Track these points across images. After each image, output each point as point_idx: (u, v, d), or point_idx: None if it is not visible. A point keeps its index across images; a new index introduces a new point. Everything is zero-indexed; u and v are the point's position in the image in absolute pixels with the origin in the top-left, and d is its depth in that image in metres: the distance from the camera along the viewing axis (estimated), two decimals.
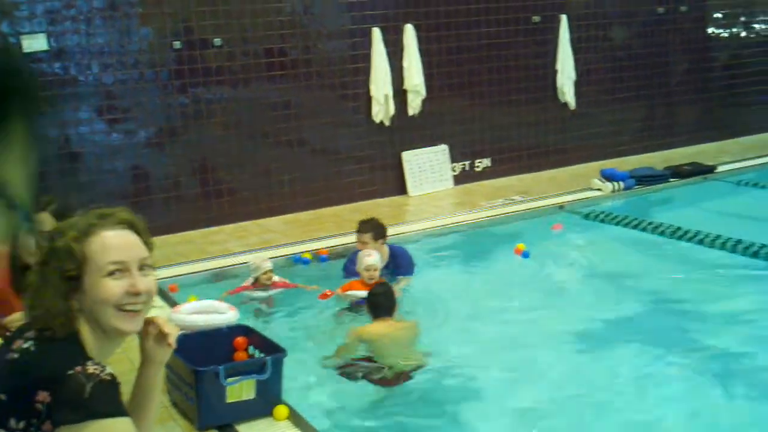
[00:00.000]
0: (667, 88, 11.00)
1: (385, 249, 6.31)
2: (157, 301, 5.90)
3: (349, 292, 5.78)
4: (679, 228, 7.28)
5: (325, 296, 6.03)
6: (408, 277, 6.32)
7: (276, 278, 6.12)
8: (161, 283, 6.34)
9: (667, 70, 10.95)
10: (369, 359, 4.80)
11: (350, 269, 6.17)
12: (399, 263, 6.31)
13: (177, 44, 7.80)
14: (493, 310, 5.83)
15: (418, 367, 4.74)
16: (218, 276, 6.68)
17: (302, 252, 7.04)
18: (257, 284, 6.05)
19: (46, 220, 3.80)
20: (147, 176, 7.88)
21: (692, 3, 10.95)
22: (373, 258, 5.80)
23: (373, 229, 6.17)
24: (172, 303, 5.66)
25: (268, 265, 6.06)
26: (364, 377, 4.65)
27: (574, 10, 10.04)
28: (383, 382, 4.62)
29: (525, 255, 6.89)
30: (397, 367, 4.70)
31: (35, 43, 7.24)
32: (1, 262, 3.88)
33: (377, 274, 5.74)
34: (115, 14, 7.54)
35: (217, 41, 7.97)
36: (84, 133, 7.55)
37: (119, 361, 4.85)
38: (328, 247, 7.15)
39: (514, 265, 6.80)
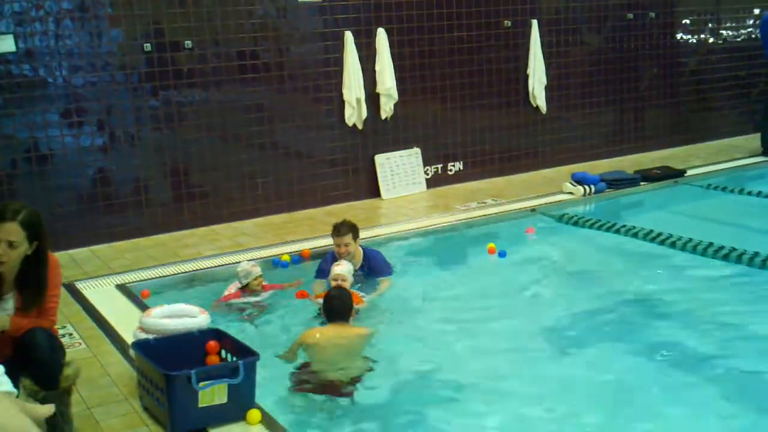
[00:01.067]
0: (636, 93, 11.11)
1: (360, 250, 6.35)
2: (128, 304, 5.89)
3: (319, 300, 5.76)
4: (650, 231, 7.34)
5: (302, 295, 6.06)
6: (388, 278, 6.35)
7: (264, 282, 6.12)
8: (132, 287, 6.30)
9: (636, 75, 11.06)
10: (306, 365, 4.79)
11: (324, 271, 6.15)
12: (373, 265, 6.33)
13: (148, 46, 7.73)
14: (465, 313, 5.85)
15: (355, 378, 4.66)
16: (188, 280, 6.63)
17: (280, 255, 6.99)
18: (246, 290, 6.01)
19: (13, 230, 3.72)
20: (118, 179, 7.80)
21: (661, 9, 11.08)
22: (341, 268, 5.79)
23: (351, 230, 6.20)
24: (143, 307, 5.60)
25: (258, 270, 6.04)
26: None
27: (544, 15, 10.11)
28: (321, 390, 4.56)
29: (502, 254, 6.93)
30: (331, 376, 4.67)
31: (2, 44, 7.13)
32: None
33: (347, 284, 5.66)
34: (85, 16, 7.46)
35: (188, 43, 7.91)
36: (53, 135, 7.46)
37: (90, 365, 4.82)
38: (309, 249, 7.17)
39: (487, 268, 6.82)
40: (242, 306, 5.92)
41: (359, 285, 6.11)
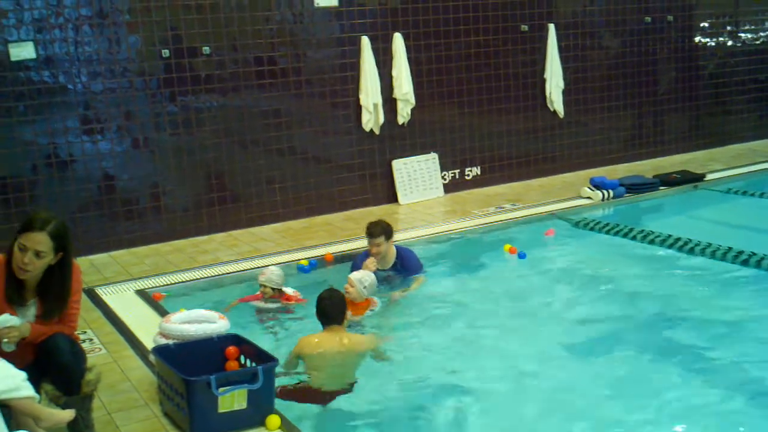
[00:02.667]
0: (655, 97, 11.05)
1: (393, 249, 6.48)
2: (148, 310, 5.91)
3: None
4: (669, 236, 7.29)
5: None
6: (422, 276, 6.48)
7: (289, 291, 6.07)
8: (151, 293, 6.33)
9: (655, 78, 11.00)
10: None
11: (358, 268, 6.23)
12: (406, 264, 6.48)
13: (166, 52, 7.77)
14: (483, 318, 5.84)
15: (344, 389, 4.62)
16: (207, 286, 6.64)
17: (299, 260, 7.01)
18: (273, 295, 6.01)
19: (42, 241, 3.74)
20: (137, 185, 7.83)
21: (679, 12, 11.02)
22: (355, 274, 5.79)
23: (384, 231, 6.33)
24: (163, 312, 5.62)
25: (264, 279, 5.98)
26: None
27: (561, 18, 10.08)
28: (308, 398, 4.54)
29: (522, 255, 6.93)
30: (324, 385, 4.64)
31: (23, 51, 7.19)
32: None
33: (354, 291, 5.64)
34: (104, 22, 7.51)
35: (206, 49, 7.95)
36: (73, 141, 7.51)
37: (110, 370, 4.84)
38: (331, 253, 7.20)
39: (505, 272, 6.81)
40: (259, 310, 5.92)
41: (388, 286, 6.25)
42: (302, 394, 4.55)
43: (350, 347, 4.89)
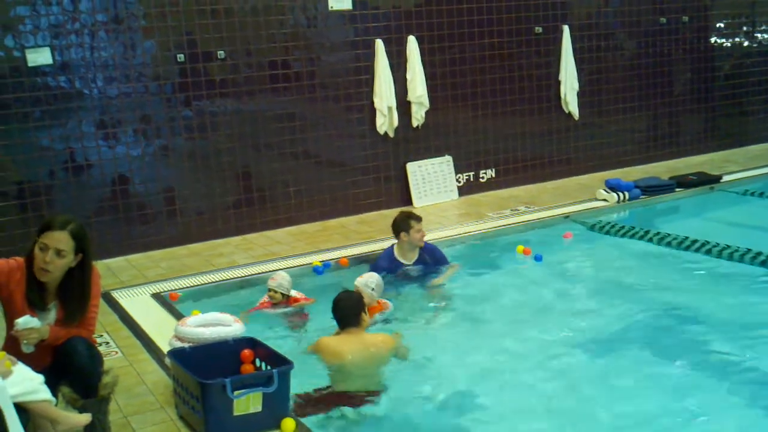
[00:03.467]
0: (670, 98, 11.00)
1: None
2: (163, 313, 5.94)
3: None
4: (685, 238, 7.25)
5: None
6: (456, 264, 6.69)
7: (294, 293, 6.06)
8: (167, 296, 6.36)
9: (670, 79, 10.95)
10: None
11: (380, 267, 6.44)
12: (434, 255, 6.68)
13: (181, 57, 7.81)
14: (496, 320, 5.83)
15: (372, 393, 4.58)
16: (223, 289, 6.67)
17: (313, 261, 7.03)
18: (280, 301, 5.98)
19: (63, 239, 3.78)
20: (152, 189, 7.88)
21: (694, 13, 10.96)
22: (361, 279, 5.80)
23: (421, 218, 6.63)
24: (178, 316, 5.65)
25: (273, 283, 5.96)
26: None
27: (576, 20, 10.05)
28: (339, 402, 4.51)
29: (538, 258, 6.96)
30: (350, 389, 4.61)
31: (40, 57, 7.24)
32: (17, 274, 3.87)
33: (365, 295, 5.60)
34: (119, 28, 7.56)
35: (221, 54, 7.98)
36: (89, 146, 7.56)
37: (127, 374, 4.86)
38: (346, 257, 7.22)
39: (519, 275, 6.79)
40: (272, 316, 5.88)
41: (413, 280, 6.41)
42: (331, 400, 4.51)
43: (370, 348, 4.85)
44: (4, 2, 7.05)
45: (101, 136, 7.60)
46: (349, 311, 4.96)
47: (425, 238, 6.66)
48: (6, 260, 3.88)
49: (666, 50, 10.84)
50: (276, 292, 5.94)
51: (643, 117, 10.81)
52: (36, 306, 3.87)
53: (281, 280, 5.99)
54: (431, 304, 6.19)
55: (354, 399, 4.50)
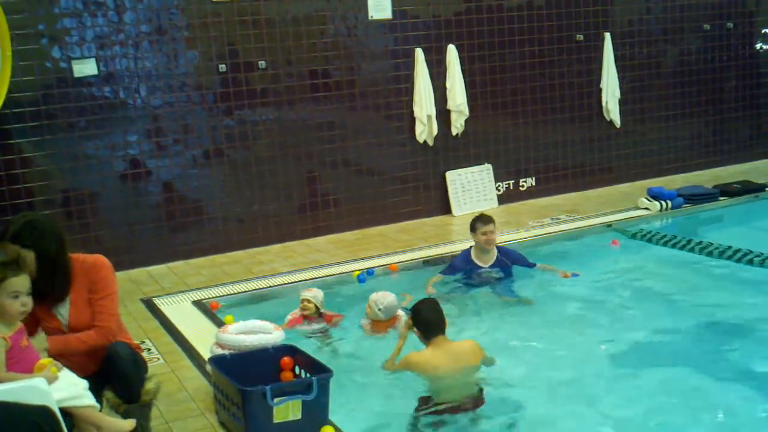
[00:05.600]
0: (714, 105, 10.84)
1: (495, 247, 6.69)
2: (204, 320, 6.00)
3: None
4: (728, 248, 7.13)
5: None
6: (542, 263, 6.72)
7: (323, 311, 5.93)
8: (208, 303, 6.42)
9: (714, 87, 10.80)
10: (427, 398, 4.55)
11: (455, 267, 6.59)
12: (512, 257, 6.67)
13: (222, 67, 7.90)
14: (540, 329, 5.77)
15: (477, 398, 4.50)
16: (263, 296, 6.71)
17: (354, 271, 7.05)
18: (306, 315, 5.83)
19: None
20: (194, 197, 7.97)
21: (739, 20, 10.81)
22: (378, 295, 5.75)
23: (493, 220, 6.58)
24: (219, 323, 5.70)
25: (308, 294, 5.83)
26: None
27: (618, 27, 9.97)
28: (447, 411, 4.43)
29: (574, 276, 6.82)
30: (455, 401, 4.48)
31: (86, 68, 7.38)
32: None
33: (382, 314, 5.61)
34: (163, 38, 7.67)
35: (262, 63, 8.06)
36: (132, 155, 7.68)
37: (168, 380, 4.92)
38: (396, 263, 7.27)
39: (561, 285, 6.72)
40: (305, 334, 5.72)
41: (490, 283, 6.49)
42: (438, 412, 4.45)
43: (462, 357, 4.65)
44: (51, 14, 7.21)
45: (144, 146, 7.72)
46: (441, 317, 4.72)
47: (498, 242, 6.71)
48: None
49: (710, 57, 10.70)
50: (310, 302, 5.78)
51: (686, 125, 10.67)
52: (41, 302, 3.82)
53: (316, 292, 5.90)
54: (496, 309, 6.18)
55: (459, 408, 4.44)
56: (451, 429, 4.34)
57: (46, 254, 3.82)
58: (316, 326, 5.80)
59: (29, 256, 3.74)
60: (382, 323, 5.68)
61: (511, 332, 5.73)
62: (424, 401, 4.52)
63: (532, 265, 6.70)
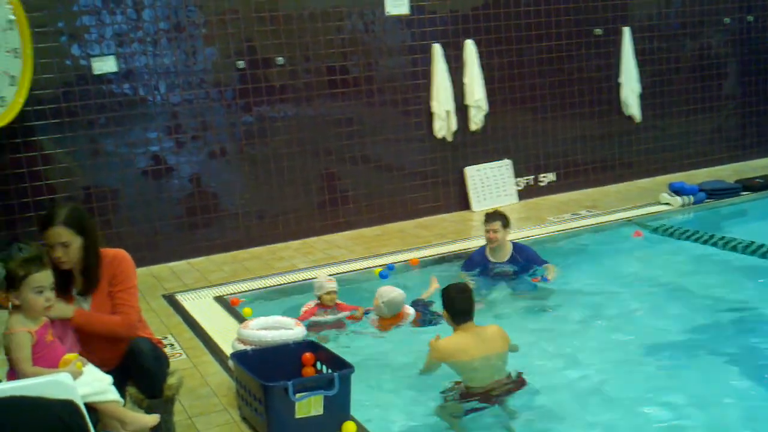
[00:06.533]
0: (735, 99, 10.75)
1: (510, 244, 6.61)
2: (226, 316, 6.01)
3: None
4: (751, 242, 7.07)
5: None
6: (551, 265, 6.55)
7: (338, 300, 5.97)
8: (229, 299, 6.44)
9: (735, 80, 10.71)
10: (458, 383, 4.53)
11: (472, 263, 6.61)
12: (526, 255, 6.59)
13: (241, 63, 7.91)
14: (561, 324, 5.76)
15: (511, 384, 4.47)
16: (284, 292, 6.72)
17: (375, 267, 7.06)
18: (321, 305, 5.84)
19: (61, 233, 3.80)
20: (214, 194, 7.99)
21: (760, 12, 10.70)
22: (385, 289, 5.73)
23: (501, 217, 6.48)
24: (241, 319, 5.71)
25: (332, 285, 5.83)
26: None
27: (637, 21, 9.89)
28: (475, 397, 4.43)
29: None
30: (485, 386, 4.45)
31: (105, 65, 7.42)
32: None
33: (385, 309, 5.61)
34: (181, 35, 7.69)
35: (280, 60, 8.06)
36: (152, 151, 7.70)
37: (191, 375, 4.93)
38: (417, 258, 7.29)
39: (581, 280, 6.69)
40: (319, 324, 5.74)
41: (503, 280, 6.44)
42: (470, 396, 4.45)
43: (491, 341, 4.60)
44: (71, 12, 7.24)
45: (164, 142, 7.74)
46: (470, 303, 4.65)
47: (510, 239, 6.67)
48: None
49: (730, 51, 10.60)
50: (335, 292, 5.81)
51: (707, 119, 10.58)
52: (64, 294, 3.87)
53: (335, 282, 5.90)
54: (511, 304, 6.17)
55: (497, 396, 4.42)
56: (485, 415, 4.33)
57: (92, 242, 3.90)
58: (331, 316, 5.83)
59: (76, 241, 3.82)
60: (387, 320, 5.65)
61: (522, 327, 5.69)
62: (456, 387, 4.51)
63: (542, 264, 6.62)
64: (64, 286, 3.83)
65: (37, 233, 3.95)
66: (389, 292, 5.69)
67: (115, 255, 4.03)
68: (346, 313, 5.88)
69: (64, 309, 3.74)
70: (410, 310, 5.80)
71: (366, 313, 5.87)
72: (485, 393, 4.43)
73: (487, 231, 6.50)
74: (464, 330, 4.61)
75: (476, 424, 4.34)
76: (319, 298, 5.84)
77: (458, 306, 4.62)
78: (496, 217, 6.49)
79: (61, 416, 2.74)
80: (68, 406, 2.45)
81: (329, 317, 5.82)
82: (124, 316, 3.92)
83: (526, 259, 6.58)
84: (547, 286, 6.43)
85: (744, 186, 9.01)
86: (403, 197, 8.82)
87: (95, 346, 3.86)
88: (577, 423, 4.35)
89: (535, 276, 6.52)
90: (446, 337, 4.67)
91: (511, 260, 6.57)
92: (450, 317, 4.66)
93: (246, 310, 6.13)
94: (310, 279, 6.83)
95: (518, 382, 4.53)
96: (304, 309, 5.89)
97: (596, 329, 5.63)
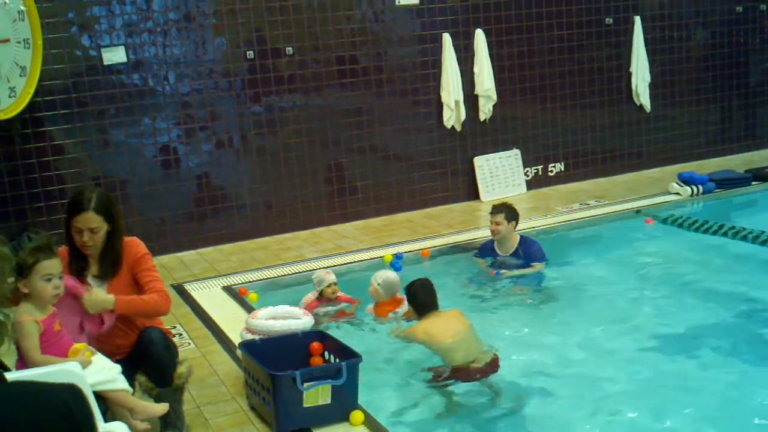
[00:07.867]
0: (746, 89, 10.69)
1: (516, 236, 6.61)
2: (234, 306, 6.04)
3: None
4: (762, 232, 7.04)
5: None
6: (541, 264, 6.54)
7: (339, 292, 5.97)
8: (238, 289, 6.46)
9: (746, 70, 10.64)
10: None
11: (485, 250, 6.67)
12: (528, 251, 6.57)
13: (250, 54, 7.92)
14: (567, 313, 5.76)
15: (492, 359, 4.61)
16: (292, 282, 6.74)
17: (383, 256, 7.06)
18: (322, 298, 5.85)
19: (92, 218, 3.85)
20: (223, 184, 8.01)
21: None
22: (379, 272, 5.76)
23: (505, 209, 6.48)
24: (249, 309, 5.74)
25: (332, 278, 5.87)
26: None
27: (647, 10, 9.84)
28: (461, 376, 4.54)
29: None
30: (466, 362, 4.59)
31: (115, 56, 7.44)
32: (63, 262, 3.94)
33: (381, 290, 5.62)
34: (190, 26, 7.70)
35: (289, 50, 8.07)
36: (161, 142, 7.73)
37: (199, 364, 4.96)
38: (428, 248, 7.30)
39: (590, 270, 6.70)
40: (320, 315, 5.73)
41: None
42: (457, 376, 4.56)
43: (461, 322, 4.82)
44: (81, 2, 7.26)
45: (174, 133, 7.77)
46: (432, 295, 4.94)
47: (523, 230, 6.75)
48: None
49: (742, 40, 10.53)
50: (336, 284, 5.84)
51: (717, 109, 10.53)
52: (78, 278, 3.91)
53: (333, 275, 5.92)
54: (505, 295, 6.17)
55: (482, 372, 4.57)
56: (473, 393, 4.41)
57: (119, 228, 3.97)
58: (332, 307, 5.86)
59: (104, 228, 3.88)
60: (384, 305, 5.63)
61: (523, 320, 5.75)
62: (436, 372, 4.63)
63: (542, 260, 6.59)
64: (78, 271, 3.88)
65: (65, 218, 3.95)
66: (384, 273, 5.75)
67: (131, 242, 4.11)
68: (347, 305, 5.90)
69: (104, 301, 3.79)
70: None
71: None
72: (466, 369, 4.54)
73: (490, 223, 6.53)
74: (429, 317, 4.83)
75: (469, 401, 4.45)
76: (321, 292, 5.84)
77: (421, 299, 4.88)
78: (499, 209, 6.49)
79: (66, 400, 2.77)
80: (71, 389, 2.46)
81: (330, 308, 5.85)
82: (159, 292, 3.99)
83: (527, 254, 6.56)
84: (554, 279, 6.43)
85: (754, 176, 8.97)
86: (411, 187, 8.82)
87: (111, 333, 3.89)
88: (582, 410, 4.36)
89: (492, 269, 6.51)
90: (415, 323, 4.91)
91: (515, 254, 6.57)
92: (414, 311, 4.91)
93: (251, 296, 6.20)
94: (318, 269, 6.84)
95: (492, 364, 4.62)
96: (303, 302, 5.87)
97: (602, 320, 5.62)
